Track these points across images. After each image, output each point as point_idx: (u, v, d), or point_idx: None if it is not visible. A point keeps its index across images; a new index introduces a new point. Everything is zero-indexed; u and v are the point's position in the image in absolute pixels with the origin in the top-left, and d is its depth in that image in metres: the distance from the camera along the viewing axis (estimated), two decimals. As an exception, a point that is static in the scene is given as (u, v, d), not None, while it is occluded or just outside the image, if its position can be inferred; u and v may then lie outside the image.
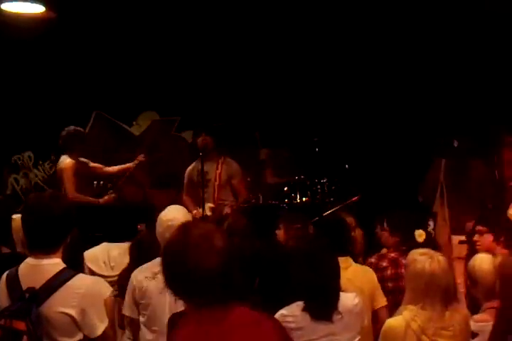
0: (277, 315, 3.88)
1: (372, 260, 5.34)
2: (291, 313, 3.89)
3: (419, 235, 5.34)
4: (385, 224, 5.64)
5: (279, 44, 8.63)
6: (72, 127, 7.63)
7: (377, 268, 5.20)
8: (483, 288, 4.09)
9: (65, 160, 7.50)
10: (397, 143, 8.73)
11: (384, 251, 5.91)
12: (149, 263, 4.52)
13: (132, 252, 4.99)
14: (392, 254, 5.31)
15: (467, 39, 7.99)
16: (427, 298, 3.76)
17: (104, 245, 5.45)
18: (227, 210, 7.13)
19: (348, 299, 4.01)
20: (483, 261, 4.16)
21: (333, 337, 3.87)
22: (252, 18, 8.15)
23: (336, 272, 4.05)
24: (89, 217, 6.88)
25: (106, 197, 7.52)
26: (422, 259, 3.87)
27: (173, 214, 4.56)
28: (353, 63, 8.77)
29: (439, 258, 3.86)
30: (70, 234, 3.35)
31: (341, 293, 3.99)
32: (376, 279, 4.99)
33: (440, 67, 8.43)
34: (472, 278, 4.14)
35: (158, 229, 4.55)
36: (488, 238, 5.42)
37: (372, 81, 8.86)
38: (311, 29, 8.30)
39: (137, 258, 4.84)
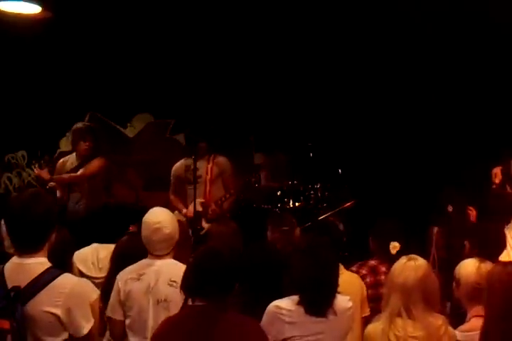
0: (271, 306, 3.85)
1: (354, 268, 5.29)
2: (286, 306, 3.84)
3: (393, 247, 5.29)
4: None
5: (275, 48, 8.62)
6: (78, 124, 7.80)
7: None
8: (464, 289, 4.07)
9: None
10: (391, 148, 8.71)
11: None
12: (135, 265, 4.50)
13: (113, 260, 4.92)
14: (372, 262, 5.30)
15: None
16: (403, 303, 3.67)
17: (94, 246, 5.42)
18: (213, 206, 7.11)
19: (342, 301, 3.97)
20: (468, 264, 4.14)
21: (321, 336, 3.84)
22: (248, 21, 8.15)
23: (336, 268, 4.03)
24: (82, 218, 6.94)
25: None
26: (400, 263, 3.82)
27: (160, 217, 4.52)
28: (348, 68, 8.76)
29: (419, 262, 3.78)
30: (52, 232, 3.32)
31: (337, 294, 3.95)
32: (365, 288, 4.98)
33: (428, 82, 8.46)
34: (456, 280, 4.12)
35: (144, 232, 4.51)
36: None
37: (365, 86, 8.85)
38: (307, 34, 8.31)
39: (119, 266, 4.78)
